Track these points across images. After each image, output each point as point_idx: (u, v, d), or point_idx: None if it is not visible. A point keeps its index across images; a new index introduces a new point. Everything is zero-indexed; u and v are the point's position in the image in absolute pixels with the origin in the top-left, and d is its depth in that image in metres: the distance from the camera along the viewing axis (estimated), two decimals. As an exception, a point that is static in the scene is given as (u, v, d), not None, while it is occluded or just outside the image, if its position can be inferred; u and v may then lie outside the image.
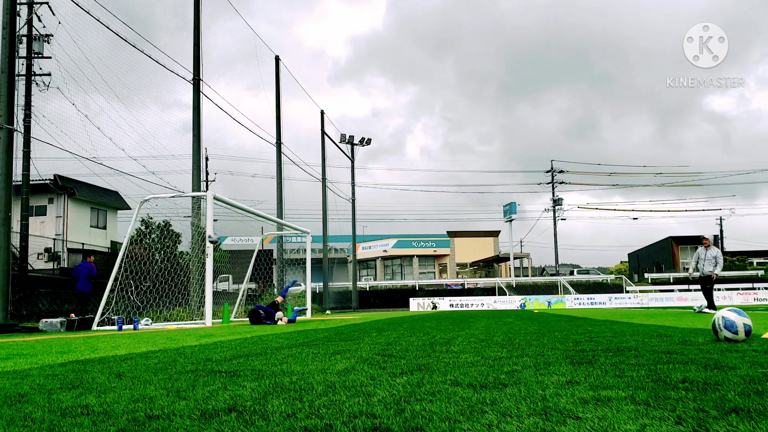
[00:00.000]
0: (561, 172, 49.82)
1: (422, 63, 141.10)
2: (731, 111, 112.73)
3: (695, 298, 32.49)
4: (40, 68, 21.14)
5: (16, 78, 13.32)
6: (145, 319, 12.54)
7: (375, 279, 52.93)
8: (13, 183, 12.40)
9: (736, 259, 46.71)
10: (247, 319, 14.83)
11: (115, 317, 11.67)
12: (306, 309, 19.27)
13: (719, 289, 33.85)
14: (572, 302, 33.40)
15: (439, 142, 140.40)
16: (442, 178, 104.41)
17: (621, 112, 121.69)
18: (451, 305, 33.94)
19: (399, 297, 39.42)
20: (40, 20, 20.43)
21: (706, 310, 12.93)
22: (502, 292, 39.00)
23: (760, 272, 40.81)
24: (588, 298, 34.07)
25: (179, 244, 19.71)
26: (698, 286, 39.06)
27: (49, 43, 20.86)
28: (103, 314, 11.84)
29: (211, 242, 12.27)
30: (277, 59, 26.55)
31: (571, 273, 49.66)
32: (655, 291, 37.31)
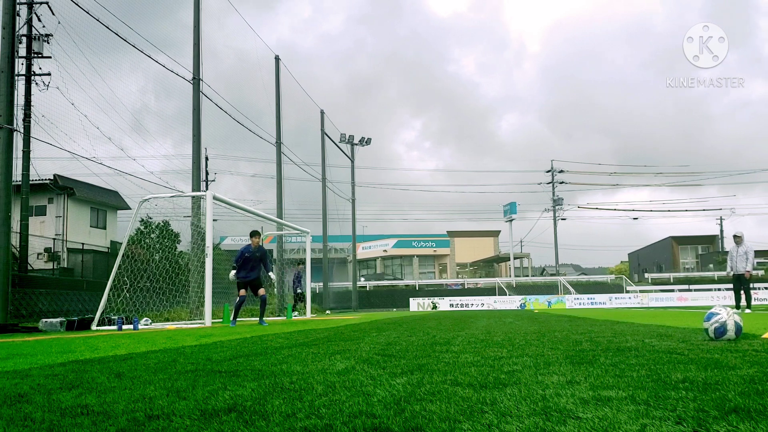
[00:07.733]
0: (561, 171, 49.82)
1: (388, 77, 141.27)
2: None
3: (695, 298, 32.51)
4: (40, 68, 21.12)
5: (16, 78, 13.32)
6: (145, 319, 12.52)
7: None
8: (13, 183, 12.38)
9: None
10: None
11: (115, 317, 11.66)
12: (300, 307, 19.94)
13: (719, 289, 33.83)
14: (572, 302, 33.40)
15: (426, 144, 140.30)
16: (437, 178, 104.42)
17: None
18: (451, 305, 33.95)
19: (399, 297, 39.44)
20: (39, 20, 20.42)
21: (747, 311, 12.37)
22: (502, 292, 39.00)
23: (761, 272, 40.79)
24: (588, 298, 34.08)
25: (178, 243, 19.69)
26: (698, 286, 38.87)
27: (48, 42, 20.84)
28: (102, 314, 11.83)
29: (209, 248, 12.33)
30: (277, 59, 26.54)
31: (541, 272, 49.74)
32: (656, 291, 37.32)
